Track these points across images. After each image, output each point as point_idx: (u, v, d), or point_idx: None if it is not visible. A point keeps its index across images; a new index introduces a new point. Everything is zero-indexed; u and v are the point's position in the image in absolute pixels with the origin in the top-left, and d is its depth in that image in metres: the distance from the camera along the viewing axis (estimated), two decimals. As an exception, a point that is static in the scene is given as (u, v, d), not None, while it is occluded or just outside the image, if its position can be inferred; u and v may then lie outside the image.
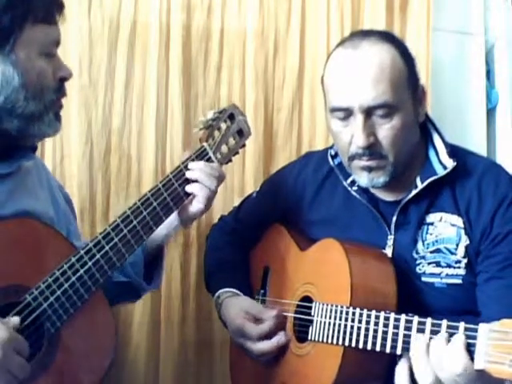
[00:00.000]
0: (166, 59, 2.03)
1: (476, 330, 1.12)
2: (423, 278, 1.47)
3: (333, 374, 1.36)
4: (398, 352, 1.25)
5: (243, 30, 2.10)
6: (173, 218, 1.51)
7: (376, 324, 1.30)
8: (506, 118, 2.34)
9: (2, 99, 1.30)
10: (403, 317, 1.26)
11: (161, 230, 1.51)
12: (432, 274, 1.46)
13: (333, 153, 1.60)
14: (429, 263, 1.47)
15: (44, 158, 1.88)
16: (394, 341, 1.26)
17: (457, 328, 1.16)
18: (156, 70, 2.02)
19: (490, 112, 2.36)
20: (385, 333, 1.28)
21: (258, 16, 2.10)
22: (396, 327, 1.26)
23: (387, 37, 1.49)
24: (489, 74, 2.35)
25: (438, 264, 1.46)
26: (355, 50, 1.44)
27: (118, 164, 2.00)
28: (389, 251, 1.50)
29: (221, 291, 1.67)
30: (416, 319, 1.23)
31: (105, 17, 1.98)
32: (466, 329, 1.14)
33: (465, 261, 1.45)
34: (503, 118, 2.35)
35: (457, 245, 1.46)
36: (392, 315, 1.28)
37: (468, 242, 1.45)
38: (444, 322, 1.19)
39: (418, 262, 1.48)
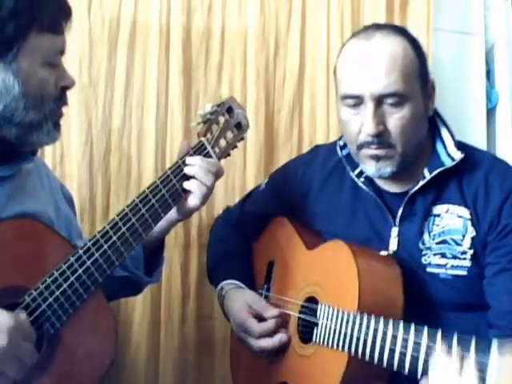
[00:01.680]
0: (166, 59, 2.03)
1: (487, 358, 1.10)
2: (428, 269, 1.47)
3: (338, 378, 1.36)
4: (406, 372, 1.25)
5: (244, 30, 2.10)
6: (171, 213, 1.50)
7: (383, 340, 1.29)
8: (506, 117, 2.34)
9: (1, 107, 1.30)
10: (411, 338, 1.24)
11: (160, 224, 1.50)
12: (437, 265, 1.47)
13: (341, 143, 1.61)
14: (434, 254, 1.47)
15: (44, 158, 1.88)
16: (402, 361, 1.25)
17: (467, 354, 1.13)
18: (156, 70, 2.02)
19: (490, 112, 2.36)
20: (392, 351, 1.27)
21: (259, 16, 2.10)
22: (404, 347, 1.25)
23: (400, 30, 1.51)
24: (489, 74, 2.35)
25: (443, 255, 1.47)
26: (368, 40, 1.46)
27: (118, 164, 2.00)
28: (394, 242, 1.50)
29: (224, 283, 1.67)
30: (424, 343, 1.21)
31: (105, 17, 1.98)
32: (477, 357, 1.12)
33: (470, 252, 1.45)
34: (503, 118, 2.35)
35: (463, 236, 1.46)
36: (400, 333, 1.26)
37: (474, 233, 1.46)
38: (454, 349, 1.16)
39: (423, 252, 1.48)
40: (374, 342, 1.31)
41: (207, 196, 1.50)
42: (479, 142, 2.29)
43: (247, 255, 1.77)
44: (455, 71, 2.33)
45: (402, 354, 1.25)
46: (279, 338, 1.53)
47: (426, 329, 1.23)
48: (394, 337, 1.27)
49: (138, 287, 1.61)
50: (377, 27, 1.51)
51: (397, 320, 1.30)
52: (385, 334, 1.29)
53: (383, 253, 1.49)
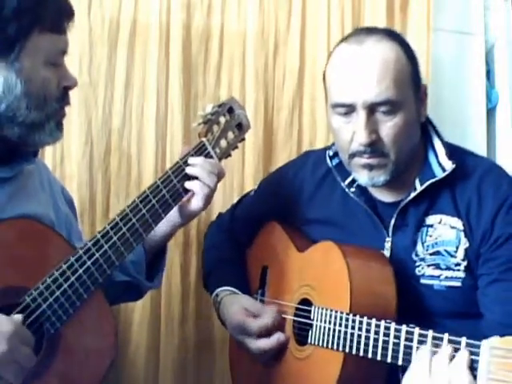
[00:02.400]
0: (166, 59, 2.03)
1: (478, 347, 1.11)
2: (422, 280, 1.46)
3: (334, 378, 1.36)
4: (399, 363, 1.25)
5: (243, 30, 2.09)
6: (173, 216, 1.50)
7: (376, 333, 1.29)
8: (506, 117, 2.33)
9: (3, 107, 1.30)
10: (404, 328, 1.24)
11: (161, 228, 1.51)
12: (431, 277, 1.45)
13: (331, 153, 1.59)
14: (428, 265, 1.46)
15: (44, 158, 1.89)
16: (395, 351, 1.25)
17: (459, 343, 1.14)
18: (156, 70, 2.02)
19: (490, 112, 2.36)
20: (385, 342, 1.27)
21: (258, 16, 2.10)
22: (397, 337, 1.25)
23: (392, 35, 1.49)
24: (489, 74, 2.35)
25: (437, 266, 1.45)
26: (360, 45, 1.43)
27: (118, 164, 2.00)
28: (386, 254, 1.49)
29: (219, 290, 1.67)
30: (417, 331, 1.22)
31: (105, 17, 1.98)
32: (468, 344, 1.13)
33: (464, 263, 1.44)
34: (503, 118, 2.34)
35: (456, 247, 1.45)
36: (393, 325, 1.27)
37: (468, 244, 1.44)
38: (445, 336, 1.17)
39: (417, 264, 1.47)
40: (367, 337, 1.31)
41: (210, 197, 1.50)
42: (479, 142, 2.30)
43: (240, 261, 1.76)
44: (455, 71, 2.33)
45: (395, 344, 1.25)
46: (277, 337, 1.52)
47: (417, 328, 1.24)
48: (387, 328, 1.27)
49: (138, 292, 1.61)
50: (368, 31, 1.48)
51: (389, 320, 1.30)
52: (378, 326, 1.29)
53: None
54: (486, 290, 1.42)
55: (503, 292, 1.40)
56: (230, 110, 1.58)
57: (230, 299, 1.63)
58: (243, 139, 1.63)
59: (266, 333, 1.53)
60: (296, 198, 1.66)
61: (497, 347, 1.07)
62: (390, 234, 1.50)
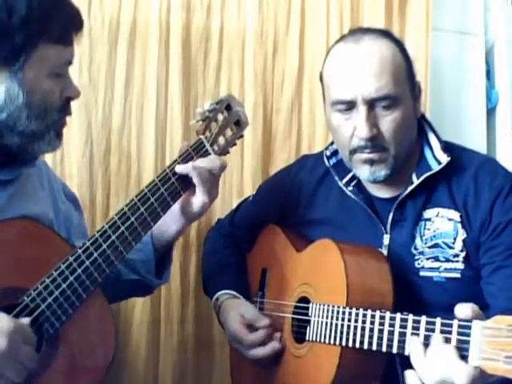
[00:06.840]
0: (166, 59, 2.03)
1: (469, 328, 1.11)
2: (421, 273, 1.47)
3: (331, 373, 1.36)
4: (394, 351, 1.25)
5: (243, 30, 2.10)
6: (179, 214, 1.50)
7: (372, 323, 1.30)
8: (506, 117, 2.34)
9: (4, 116, 1.30)
10: (398, 315, 1.26)
11: (172, 228, 1.51)
12: (430, 269, 1.47)
13: (328, 153, 1.61)
14: (427, 258, 1.47)
15: (44, 158, 1.88)
16: (390, 340, 1.26)
17: (451, 326, 1.15)
18: (156, 70, 2.02)
19: (490, 112, 2.36)
20: (380, 331, 1.28)
21: (258, 16, 2.10)
22: (391, 326, 1.26)
23: (386, 34, 1.52)
24: (489, 74, 2.35)
25: (436, 259, 1.47)
26: (356, 44, 1.46)
27: (118, 164, 2.00)
28: (385, 250, 1.50)
29: (219, 294, 1.67)
30: (411, 317, 1.23)
31: (105, 17, 1.99)
32: (460, 326, 1.13)
33: (463, 254, 1.45)
34: (503, 118, 2.35)
35: (454, 239, 1.46)
36: (387, 314, 1.28)
37: (465, 235, 1.46)
38: (438, 320, 1.18)
39: (416, 257, 1.48)
40: (363, 328, 1.31)
41: (212, 191, 1.49)
42: (479, 142, 2.30)
43: (240, 265, 1.77)
44: (455, 71, 2.33)
45: (390, 333, 1.26)
46: (271, 346, 1.54)
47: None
48: (382, 317, 1.28)
49: (148, 289, 1.62)
50: (363, 31, 1.51)
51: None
52: (373, 316, 1.30)
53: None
54: (490, 278, 1.43)
55: (507, 278, 1.41)
56: (228, 107, 1.58)
57: (229, 304, 1.64)
58: (242, 136, 1.63)
59: (261, 344, 1.54)
60: (295, 201, 1.67)
61: (488, 327, 1.07)
62: (389, 229, 1.51)
